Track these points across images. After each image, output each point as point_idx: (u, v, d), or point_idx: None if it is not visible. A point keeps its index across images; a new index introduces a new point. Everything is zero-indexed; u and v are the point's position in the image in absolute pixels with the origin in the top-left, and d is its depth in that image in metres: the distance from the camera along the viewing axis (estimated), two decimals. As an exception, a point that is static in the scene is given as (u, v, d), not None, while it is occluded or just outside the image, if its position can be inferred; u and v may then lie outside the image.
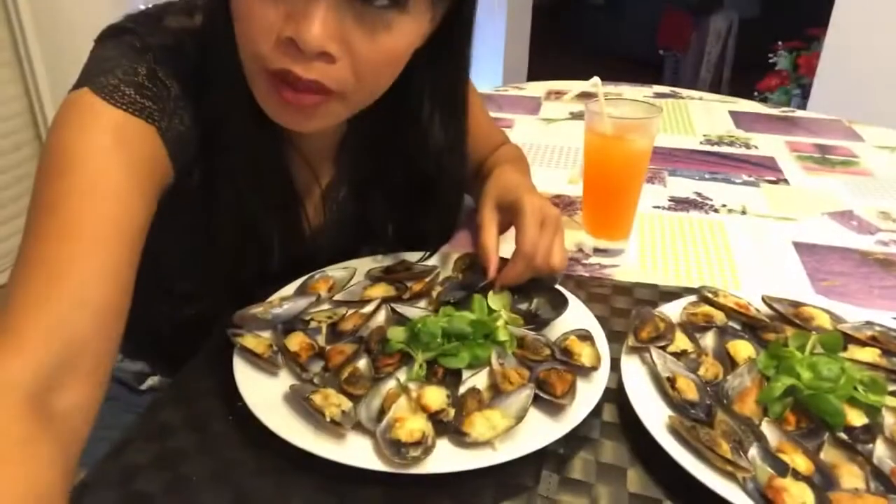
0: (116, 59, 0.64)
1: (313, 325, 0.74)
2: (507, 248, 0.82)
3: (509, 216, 0.83)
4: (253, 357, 0.67)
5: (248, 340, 0.69)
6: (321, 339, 0.72)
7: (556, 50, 5.84)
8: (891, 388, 0.66)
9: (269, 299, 0.77)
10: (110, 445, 0.62)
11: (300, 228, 0.84)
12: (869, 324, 0.75)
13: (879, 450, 0.59)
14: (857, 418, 0.62)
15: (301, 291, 0.80)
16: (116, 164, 0.59)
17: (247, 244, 0.78)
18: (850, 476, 0.57)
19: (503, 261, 0.80)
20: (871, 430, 0.61)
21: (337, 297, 0.80)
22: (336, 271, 0.83)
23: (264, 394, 0.64)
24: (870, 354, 0.70)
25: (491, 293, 0.78)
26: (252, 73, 0.64)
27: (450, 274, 0.85)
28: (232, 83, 0.67)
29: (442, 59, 0.76)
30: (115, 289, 0.56)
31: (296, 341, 0.70)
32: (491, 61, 4.09)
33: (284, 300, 0.76)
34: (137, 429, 0.64)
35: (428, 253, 0.91)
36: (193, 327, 0.88)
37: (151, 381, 1.00)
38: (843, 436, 0.61)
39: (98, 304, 0.54)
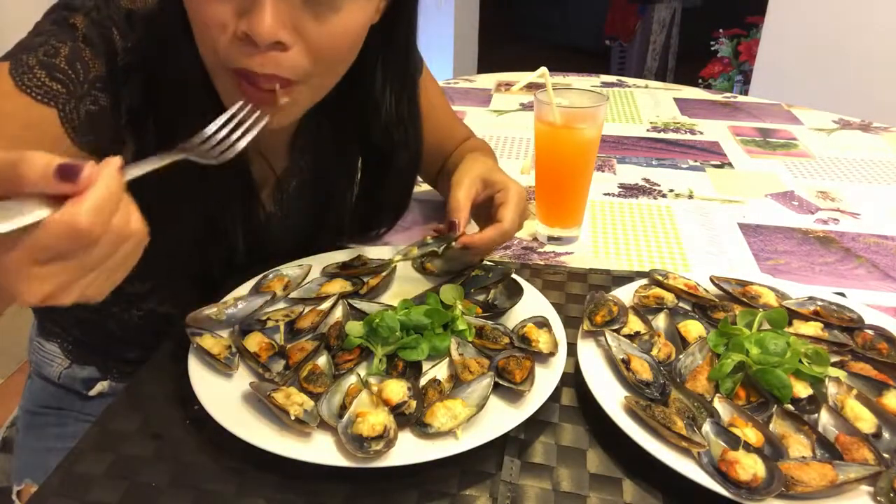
0: (46, 36, 0.64)
1: (270, 324, 0.73)
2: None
3: (492, 191, 0.84)
4: (208, 358, 0.66)
5: (206, 340, 0.68)
6: (279, 338, 0.72)
7: (506, 42, 5.87)
8: (833, 359, 0.69)
9: (224, 300, 0.76)
10: (63, 456, 0.60)
11: (257, 219, 0.84)
12: (811, 299, 0.78)
13: (824, 418, 0.62)
14: (802, 390, 0.64)
15: (255, 291, 0.79)
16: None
17: (207, 238, 0.79)
18: (798, 445, 0.59)
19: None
20: (816, 401, 0.64)
21: (293, 294, 0.79)
22: (291, 269, 0.82)
23: (221, 395, 0.63)
24: (813, 328, 0.73)
25: (443, 287, 0.78)
26: (213, 67, 0.65)
27: (410, 264, 0.85)
28: (188, 77, 0.68)
29: (394, 29, 0.77)
30: None
31: (254, 341, 0.69)
32: (441, 54, 4.08)
33: (239, 300, 0.75)
34: (90, 438, 0.62)
35: (383, 230, 0.95)
36: (144, 327, 0.85)
37: (101, 385, 0.98)
38: (790, 407, 0.63)
39: None
